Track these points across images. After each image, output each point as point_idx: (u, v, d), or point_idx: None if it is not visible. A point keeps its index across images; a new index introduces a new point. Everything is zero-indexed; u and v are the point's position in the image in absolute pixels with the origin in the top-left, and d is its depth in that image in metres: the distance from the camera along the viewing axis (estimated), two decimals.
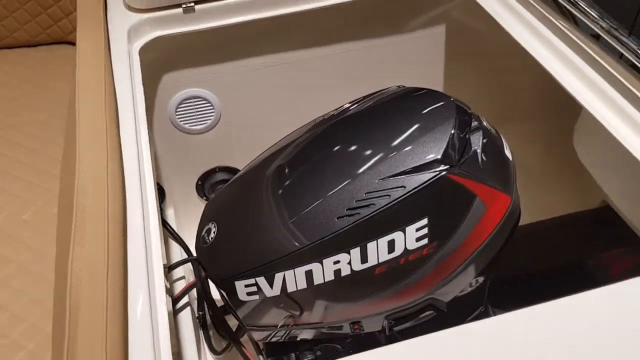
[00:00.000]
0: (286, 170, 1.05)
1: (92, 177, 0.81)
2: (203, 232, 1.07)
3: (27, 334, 1.06)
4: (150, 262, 0.79)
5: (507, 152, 1.11)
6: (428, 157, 1.00)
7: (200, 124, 1.66)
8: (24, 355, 1.04)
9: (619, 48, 1.05)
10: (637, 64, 1.02)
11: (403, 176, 0.99)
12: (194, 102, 1.61)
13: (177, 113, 1.62)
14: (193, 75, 1.56)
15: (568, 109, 1.20)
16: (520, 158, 1.12)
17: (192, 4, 1.36)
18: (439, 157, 1.00)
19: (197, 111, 1.64)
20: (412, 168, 1.00)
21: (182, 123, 1.64)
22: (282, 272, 0.97)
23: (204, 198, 1.80)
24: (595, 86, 1.05)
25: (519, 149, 1.14)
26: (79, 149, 0.86)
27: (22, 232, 1.26)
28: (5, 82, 1.68)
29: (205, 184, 1.79)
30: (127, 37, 1.28)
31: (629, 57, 1.04)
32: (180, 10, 1.35)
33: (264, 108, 1.63)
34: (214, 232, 1.05)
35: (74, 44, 1.77)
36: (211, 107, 1.64)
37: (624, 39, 1.06)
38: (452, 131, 1.03)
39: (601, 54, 1.07)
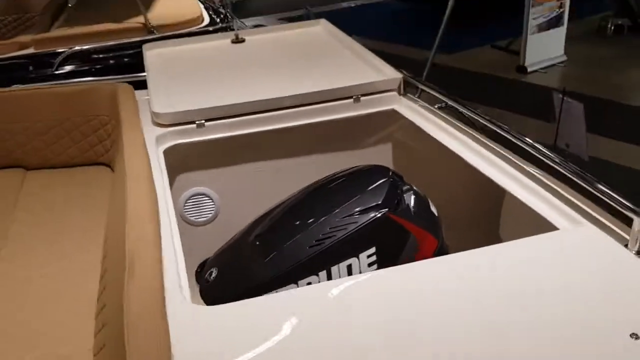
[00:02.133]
0: (268, 225, 1.50)
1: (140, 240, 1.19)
2: (206, 275, 1.49)
3: None
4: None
5: (433, 209, 1.56)
6: (373, 203, 1.46)
7: (203, 217, 2.09)
8: None
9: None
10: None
11: (356, 215, 1.44)
12: (199, 198, 2.06)
13: (185, 207, 2.05)
14: (200, 176, 2.02)
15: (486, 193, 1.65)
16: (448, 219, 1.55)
17: (203, 121, 1.87)
18: (380, 202, 1.45)
19: (201, 206, 2.07)
20: (361, 209, 1.44)
21: (188, 215, 2.07)
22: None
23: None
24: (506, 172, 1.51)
25: (447, 215, 1.57)
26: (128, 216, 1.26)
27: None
28: (54, 198, 2.09)
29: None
30: (155, 142, 1.77)
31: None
32: (194, 125, 1.86)
33: (256, 205, 2.06)
34: (214, 275, 1.47)
35: (106, 164, 2.26)
36: (212, 203, 2.08)
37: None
38: (388, 187, 1.49)
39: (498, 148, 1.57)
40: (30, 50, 2.70)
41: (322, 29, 2.71)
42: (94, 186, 2.12)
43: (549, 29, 5.48)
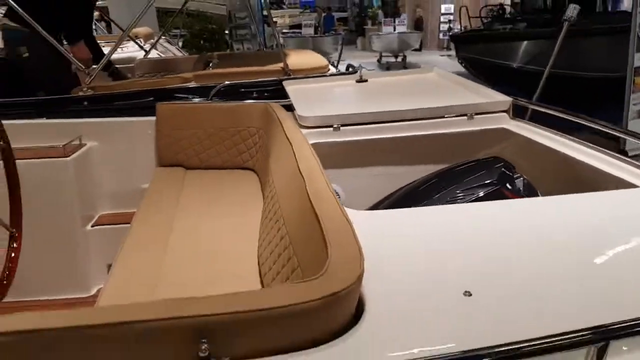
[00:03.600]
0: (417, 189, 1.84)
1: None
2: None
3: None
4: None
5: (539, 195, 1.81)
6: (489, 180, 1.74)
7: None
8: None
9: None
10: None
11: (476, 187, 1.73)
12: None
13: None
14: (331, 173, 2.38)
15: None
16: None
17: (339, 126, 2.26)
18: (495, 180, 1.73)
19: None
20: (480, 184, 1.73)
21: None
22: None
23: None
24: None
25: None
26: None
27: None
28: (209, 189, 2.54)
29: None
30: None
31: None
32: (331, 128, 2.25)
33: (370, 204, 2.37)
34: None
35: (251, 169, 2.69)
36: (339, 199, 2.41)
37: None
38: (502, 170, 1.78)
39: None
40: (192, 84, 3.27)
41: (435, 74, 3.09)
42: (242, 183, 2.53)
43: None
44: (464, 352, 0.84)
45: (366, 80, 3.06)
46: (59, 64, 3.14)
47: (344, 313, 0.91)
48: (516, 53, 8.90)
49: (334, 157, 2.37)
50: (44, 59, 3.12)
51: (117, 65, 4.25)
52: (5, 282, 1.81)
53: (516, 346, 0.86)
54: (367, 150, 2.35)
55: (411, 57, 15.65)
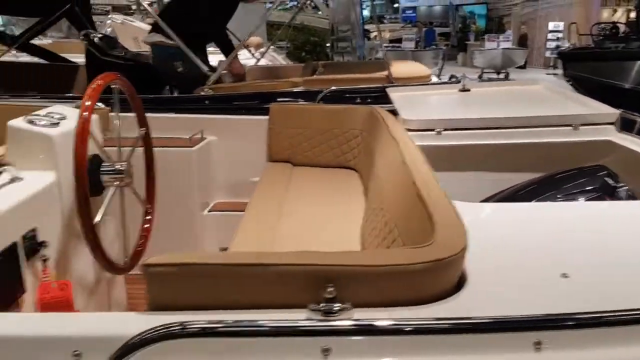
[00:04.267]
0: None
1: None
2: None
3: None
4: None
5: None
6: (591, 187, 1.79)
7: None
8: None
9: None
10: None
11: (576, 193, 1.78)
12: None
13: None
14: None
15: None
16: None
17: (441, 130, 2.36)
18: (597, 187, 1.77)
19: None
20: (581, 190, 1.78)
21: None
22: None
23: None
24: None
25: None
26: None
27: None
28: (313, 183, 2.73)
29: None
30: None
31: None
32: (434, 132, 2.36)
33: None
34: None
35: (352, 168, 2.85)
36: None
37: None
38: (605, 178, 1.81)
39: None
40: (300, 88, 3.50)
41: (541, 87, 3.11)
42: (345, 179, 2.70)
43: None
44: (558, 314, 0.93)
45: (469, 90, 3.13)
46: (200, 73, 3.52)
47: (448, 280, 1.02)
48: (629, 73, 8.49)
49: (434, 160, 2.47)
50: (191, 70, 3.50)
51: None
52: (140, 248, 2.07)
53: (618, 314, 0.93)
54: (468, 155, 2.43)
55: (514, 75, 15.15)
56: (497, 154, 2.41)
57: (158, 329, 0.85)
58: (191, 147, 2.71)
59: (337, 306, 0.92)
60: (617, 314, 0.93)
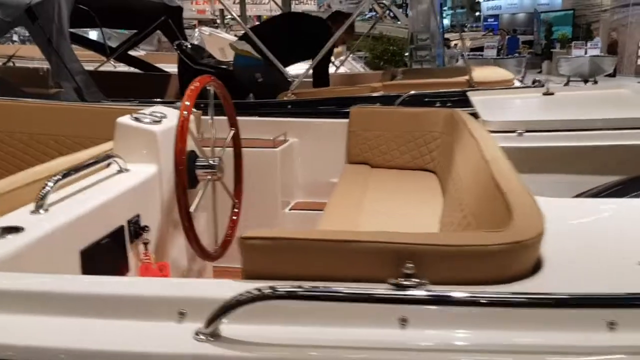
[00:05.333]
0: None
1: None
2: None
3: None
4: None
5: None
6: None
7: None
8: None
9: None
10: None
11: None
12: None
13: None
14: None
15: None
16: None
17: (522, 132, 2.36)
18: None
19: None
20: None
21: None
22: None
23: None
24: None
25: None
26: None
27: None
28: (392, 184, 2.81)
29: None
30: None
31: None
32: (515, 134, 2.36)
33: None
34: None
35: (431, 171, 2.89)
36: None
37: None
38: None
39: None
40: (380, 93, 3.58)
41: (628, 90, 3.01)
42: (423, 181, 2.75)
43: None
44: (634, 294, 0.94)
45: (552, 93, 3.08)
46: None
47: (524, 263, 1.06)
48: None
49: (515, 161, 2.47)
50: (269, 80, 3.72)
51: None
52: (228, 239, 2.22)
53: None
54: (550, 157, 2.41)
55: (603, 83, 14.57)
56: (580, 156, 2.37)
57: (251, 291, 0.96)
58: (275, 147, 2.85)
59: (415, 281, 0.99)
60: None
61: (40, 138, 2.79)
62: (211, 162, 2.06)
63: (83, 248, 1.50)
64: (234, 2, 24.10)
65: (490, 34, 22.77)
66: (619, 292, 0.96)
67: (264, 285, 0.97)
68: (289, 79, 3.55)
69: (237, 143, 2.37)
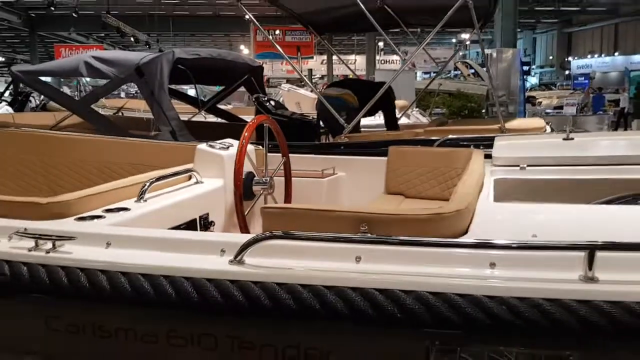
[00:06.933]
0: None
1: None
2: None
3: None
4: None
5: None
6: None
7: None
8: None
9: None
10: None
11: None
12: None
13: None
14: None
15: None
16: None
17: (525, 166, 2.82)
18: None
19: None
20: None
21: None
22: None
23: None
24: None
25: None
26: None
27: None
28: None
29: None
30: (489, 174, 2.78)
31: None
32: (518, 167, 2.82)
33: None
34: None
35: None
36: None
37: None
38: None
39: None
40: (421, 137, 4.14)
41: None
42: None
43: None
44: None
45: (572, 139, 3.49)
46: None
47: (459, 225, 1.59)
48: None
49: (518, 191, 2.91)
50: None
51: (373, 130, 5.46)
52: None
53: None
54: (548, 187, 2.83)
55: None
56: (573, 187, 2.78)
57: (261, 235, 1.54)
58: (322, 178, 3.46)
59: (367, 235, 1.54)
60: None
61: (140, 168, 3.58)
62: (264, 179, 2.71)
63: (168, 228, 2.17)
64: (321, 63, 25.67)
65: (578, 91, 22.59)
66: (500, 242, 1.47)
67: (270, 233, 1.56)
68: (344, 124, 4.20)
69: (287, 169, 3.00)
